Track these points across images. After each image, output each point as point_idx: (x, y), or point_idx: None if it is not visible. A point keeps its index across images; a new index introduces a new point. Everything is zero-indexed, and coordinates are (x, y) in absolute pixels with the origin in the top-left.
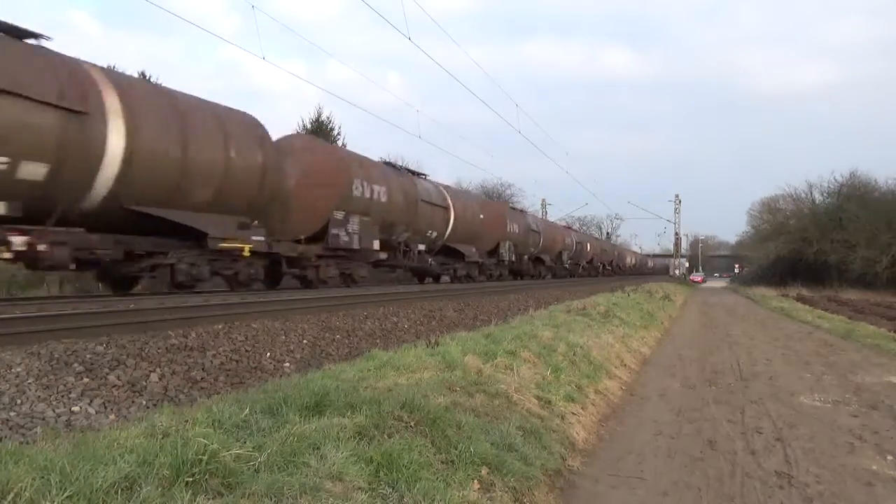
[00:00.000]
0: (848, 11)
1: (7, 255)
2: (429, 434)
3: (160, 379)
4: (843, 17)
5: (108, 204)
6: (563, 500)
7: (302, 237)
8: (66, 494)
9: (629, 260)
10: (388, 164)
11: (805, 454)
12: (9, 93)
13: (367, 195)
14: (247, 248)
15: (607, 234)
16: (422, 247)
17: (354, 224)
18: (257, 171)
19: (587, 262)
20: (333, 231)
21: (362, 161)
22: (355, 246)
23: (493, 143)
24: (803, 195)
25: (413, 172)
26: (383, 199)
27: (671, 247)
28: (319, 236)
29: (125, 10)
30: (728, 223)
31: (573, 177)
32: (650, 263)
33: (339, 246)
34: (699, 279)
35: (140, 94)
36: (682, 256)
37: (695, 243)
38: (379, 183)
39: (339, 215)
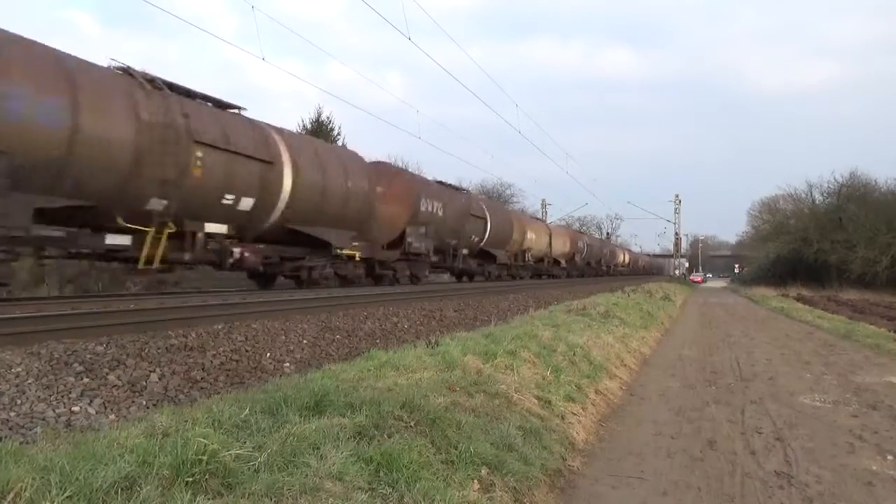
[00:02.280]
0: (851, 9)
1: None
2: (429, 434)
3: (160, 379)
4: (845, 16)
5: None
6: (563, 499)
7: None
8: (66, 494)
9: (622, 259)
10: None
11: (805, 454)
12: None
13: None
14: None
15: (607, 234)
16: (214, 227)
17: None
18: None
19: (567, 261)
20: None
21: None
22: None
23: (493, 143)
24: (803, 195)
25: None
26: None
27: (671, 247)
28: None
29: (125, 11)
30: (728, 223)
31: (573, 177)
32: (621, 258)
33: None
34: (699, 279)
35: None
36: (682, 256)
37: (695, 243)
38: None
39: None
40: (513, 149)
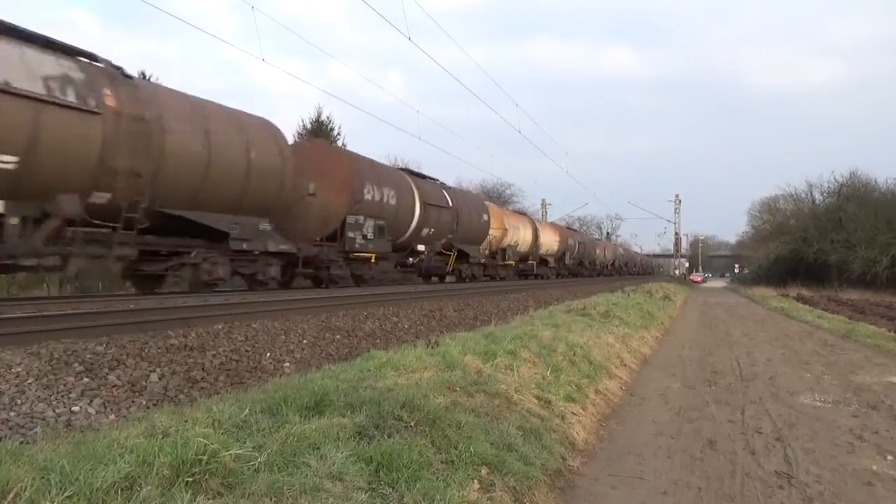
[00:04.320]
0: (853, 9)
1: None
2: (429, 434)
3: (160, 379)
4: (847, 16)
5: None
6: (563, 500)
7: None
8: (66, 494)
9: (552, 247)
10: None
11: (805, 454)
12: None
13: None
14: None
15: (607, 234)
16: None
17: None
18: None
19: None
20: None
21: None
22: None
23: (493, 143)
24: (803, 195)
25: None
26: None
27: (671, 246)
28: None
29: (125, 10)
30: (728, 223)
31: (573, 177)
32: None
33: None
34: (699, 279)
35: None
36: (682, 256)
37: (695, 243)
38: None
39: None
40: (513, 149)
